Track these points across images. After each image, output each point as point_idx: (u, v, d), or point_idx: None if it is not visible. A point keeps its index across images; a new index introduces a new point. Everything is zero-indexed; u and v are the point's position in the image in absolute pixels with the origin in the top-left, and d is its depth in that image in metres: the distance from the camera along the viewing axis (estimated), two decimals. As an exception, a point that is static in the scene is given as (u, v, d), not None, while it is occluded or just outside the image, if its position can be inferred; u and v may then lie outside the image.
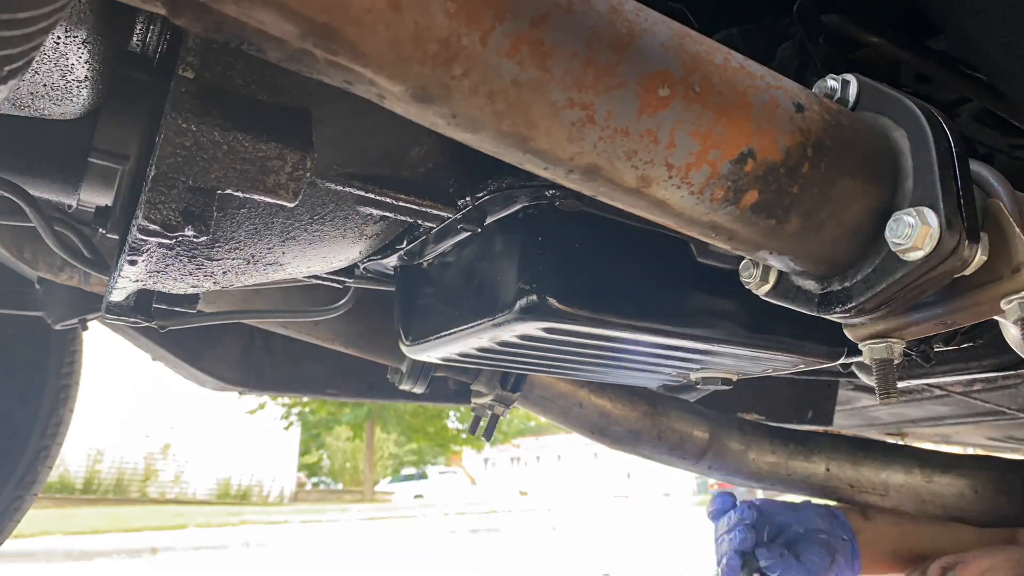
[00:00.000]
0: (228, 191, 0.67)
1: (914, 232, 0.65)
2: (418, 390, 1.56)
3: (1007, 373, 1.43)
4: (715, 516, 1.64)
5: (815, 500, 1.77)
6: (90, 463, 21.70)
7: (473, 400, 1.65)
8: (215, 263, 0.87)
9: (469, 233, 1.00)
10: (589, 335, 1.01)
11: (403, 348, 1.24)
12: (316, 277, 1.25)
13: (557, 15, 0.52)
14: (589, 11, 0.53)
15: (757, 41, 1.10)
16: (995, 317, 0.75)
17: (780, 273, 0.78)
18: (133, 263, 0.76)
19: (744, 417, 1.89)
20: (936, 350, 1.24)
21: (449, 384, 1.69)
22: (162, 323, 1.10)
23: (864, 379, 1.33)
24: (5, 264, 1.42)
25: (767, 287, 0.79)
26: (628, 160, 0.58)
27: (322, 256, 0.99)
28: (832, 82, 0.75)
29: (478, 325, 1.02)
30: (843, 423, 2.69)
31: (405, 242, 1.10)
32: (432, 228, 1.02)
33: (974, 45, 0.96)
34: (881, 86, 0.73)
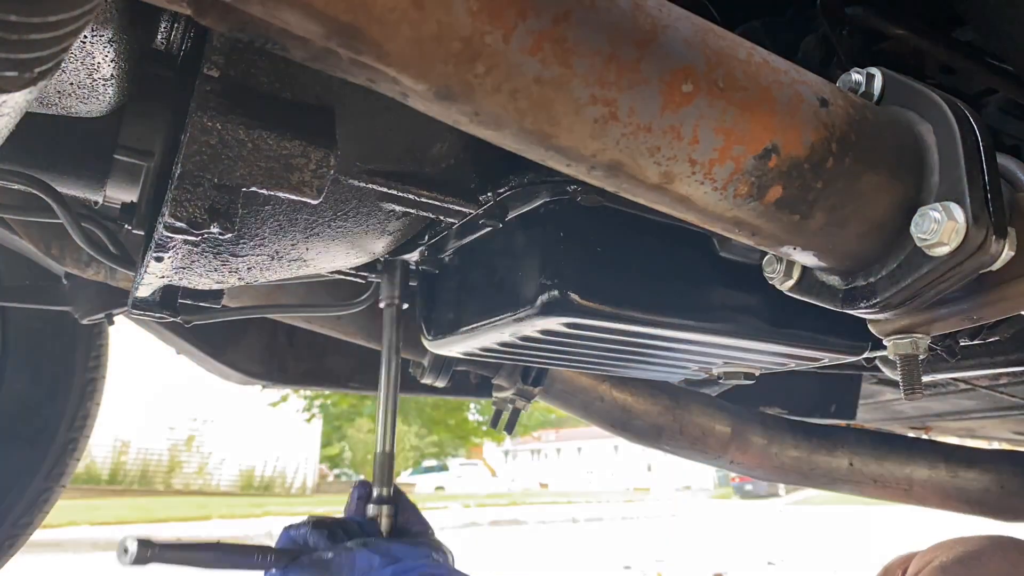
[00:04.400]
0: (253, 188, 0.68)
1: (940, 227, 0.64)
2: (440, 384, 1.56)
3: (1034, 367, 1.41)
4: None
5: (839, 494, 1.75)
6: (116, 454, 21.95)
7: (494, 394, 1.65)
8: (240, 259, 0.88)
9: (491, 228, 1.01)
10: (610, 330, 1.01)
11: (425, 342, 1.25)
12: (339, 272, 1.26)
13: (579, 12, 0.51)
14: (611, 7, 0.53)
15: (780, 34, 1.09)
16: (1022, 312, 0.74)
17: (804, 268, 0.77)
18: (159, 259, 0.77)
19: (766, 411, 1.88)
20: (961, 344, 1.23)
21: (470, 378, 1.70)
22: (187, 318, 1.11)
23: (889, 374, 1.32)
24: (33, 260, 1.44)
25: (791, 282, 0.78)
26: (651, 156, 0.58)
27: (345, 252, 0.99)
28: (857, 76, 0.74)
29: (499, 320, 1.02)
30: (866, 417, 2.67)
31: (427, 237, 1.11)
32: (454, 224, 1.02)
33: (1001, 35, 0.95)
34: (906, 80, 0.72)
